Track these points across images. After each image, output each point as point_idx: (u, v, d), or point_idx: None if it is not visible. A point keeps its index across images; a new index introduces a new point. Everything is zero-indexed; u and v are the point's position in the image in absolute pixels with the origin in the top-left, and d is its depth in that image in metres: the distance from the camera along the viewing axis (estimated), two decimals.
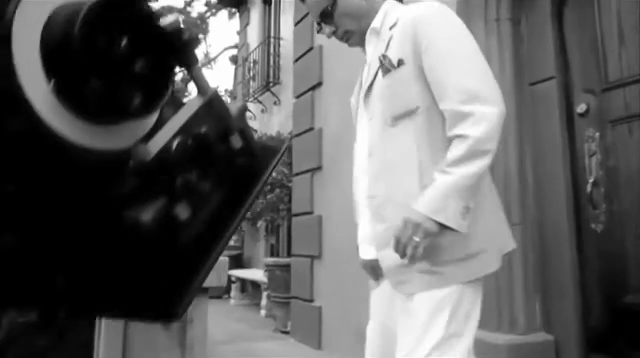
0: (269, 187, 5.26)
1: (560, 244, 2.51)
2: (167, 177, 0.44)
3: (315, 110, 4.48)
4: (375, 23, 1.36)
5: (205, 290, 2.37)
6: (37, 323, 2.47)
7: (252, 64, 8.47)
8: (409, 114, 1.26)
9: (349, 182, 3.94)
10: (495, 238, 1.28)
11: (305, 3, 1.43)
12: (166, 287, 0.44)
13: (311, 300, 4.31)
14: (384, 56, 1.31)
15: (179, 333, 2.30)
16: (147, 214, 0.43)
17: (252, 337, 4.75)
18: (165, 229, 0.44)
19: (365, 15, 1.37)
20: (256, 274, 6.66)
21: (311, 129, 4.52)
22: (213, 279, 2.33)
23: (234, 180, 0.51)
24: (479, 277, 1.24)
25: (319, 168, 4.36)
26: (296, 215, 4.70)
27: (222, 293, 7.67)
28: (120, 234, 0.42)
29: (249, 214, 5.89)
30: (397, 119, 1.28)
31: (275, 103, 7.65)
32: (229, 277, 7.38)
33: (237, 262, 8.11)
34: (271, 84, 7.71)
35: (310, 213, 4.43)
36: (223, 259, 2.45)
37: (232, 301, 7.32)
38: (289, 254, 5.26)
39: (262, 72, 8.02)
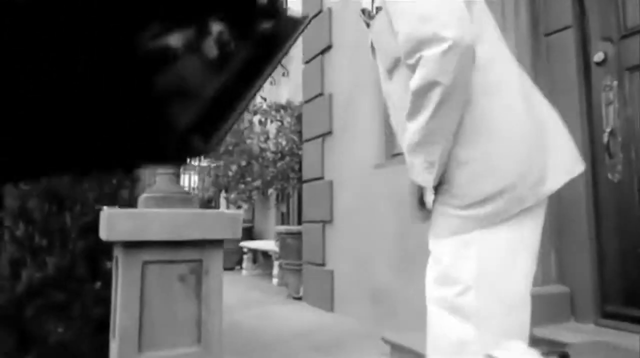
0: (279, 155, 5.24)
1: (576, 195, 2.48)
2: (194, 3, 0.42)
3: (325, 75, 4.44)
4: None
5: (220, 242, 2.39)
6: (55, 278, 2.50)
7: None
8: (397, 63, 1.17)
9: (360, 145, 3.93)
10: (528, 170, 1.13)
11: None
12: (194, 122, 0.43)
13: (323, 265, 4.33)
14: (363, 10, 1.26)
15: (195, 285, 2.32)
16: (176, 39, 0.41)
17: (266, 302, 4.81)
18: (193, 61, 0.43)
19: None
20: (267, 245, 6.71)
21: (321, 94, 4.48)
22: (228, 232, 2.35)
23: (258, 41, 0.50)
24: (504, 217, 1.11)
25: (329, 133, 4.33)
26: (307, 181, 4.69)
27: (234, 264, 7.74)
28: (147, 63, 0.41)
29: (259, 183, 5.91)
30: (391, 71, 1.21)
31: (283, 74, 7.60)
32: (241, 248, 7.44)
33: (249, 234, 8.16)
34: None
35: (321, 178, 4.43)
36: (238, 213, 2.46)
37: (244, 272, 7.39)
38: (300, 222, 5.28)
39: None
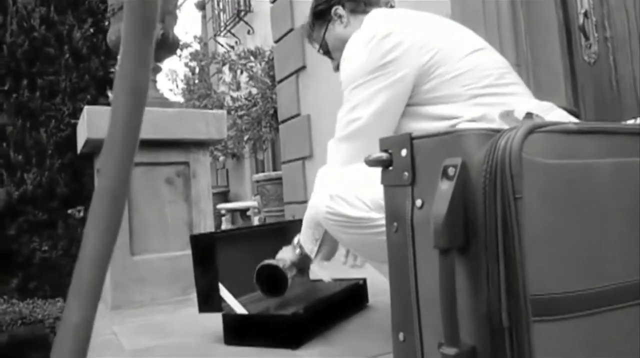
0: (252, 102, 5.16)
1: (555, 83, 2.53)
2: None
3: (295, 9, 4.37)
4: None
5: (206, 144, 2.34)
6: (35, 196, 2.39)
7: None
8: None
9: (336, 77, 3.88)
10: None
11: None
12: None
13: (305, 201, 4.32)
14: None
15: (183, 188, 2.27)
16: None
17: None
18: None
19: None
20: (245, 204, 6.66)
21: (291, 30, 4.41)
22: (212, 131, 2.29)
23: None
24: None
25: (303, 67, 4.28)
26: (284, 121, 4.64)
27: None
28: None
29: (232, 132, 5.81)
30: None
31: (248, 32, 7.44)
32: (219, 210, 7.35)
33: (225, 198, 8.09)
34: (242, 13, 7.47)
35: (298, 115, 4.39)
36: (222, 112, 2.40)
37: None
38: (275, 170, 5.24)
39: (232, 1, 7.75)
